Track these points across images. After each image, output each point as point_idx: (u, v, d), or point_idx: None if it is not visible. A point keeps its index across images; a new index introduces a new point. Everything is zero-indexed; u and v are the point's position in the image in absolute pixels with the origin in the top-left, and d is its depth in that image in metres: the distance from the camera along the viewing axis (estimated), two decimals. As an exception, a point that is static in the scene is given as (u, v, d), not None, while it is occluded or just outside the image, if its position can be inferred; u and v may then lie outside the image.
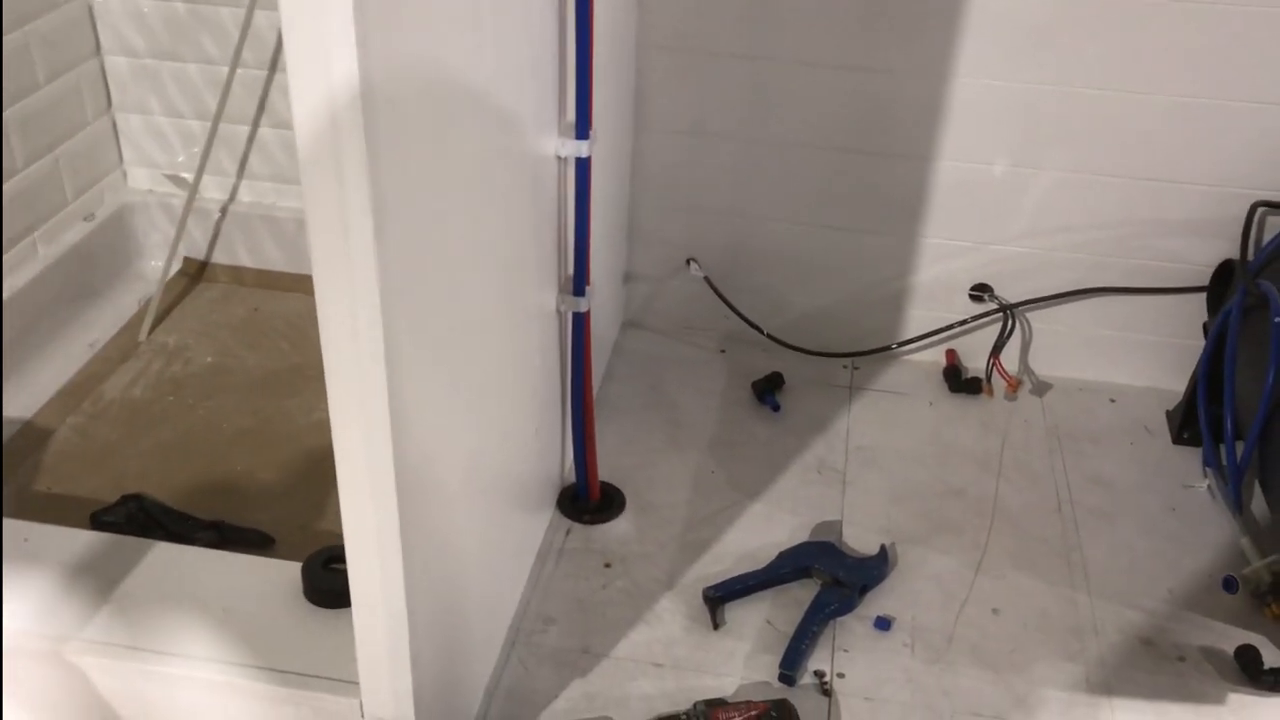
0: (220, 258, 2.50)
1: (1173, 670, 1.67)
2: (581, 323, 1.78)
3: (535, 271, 1.61)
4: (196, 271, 2.50)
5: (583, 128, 1.60)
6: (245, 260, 2.49)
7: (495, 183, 1.36)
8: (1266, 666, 1.64)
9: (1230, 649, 1.69)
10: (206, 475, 1.97)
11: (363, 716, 1.32)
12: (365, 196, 0.97)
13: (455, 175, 1.21)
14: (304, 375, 2.22)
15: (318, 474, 1.95)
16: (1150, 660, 1.68)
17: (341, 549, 1.44)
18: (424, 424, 1.19)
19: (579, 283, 1.74)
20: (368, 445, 1.09)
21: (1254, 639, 1.70)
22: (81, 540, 1.53)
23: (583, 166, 1.64)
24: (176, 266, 2.47)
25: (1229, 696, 1.63)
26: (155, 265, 2.45)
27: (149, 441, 2.04)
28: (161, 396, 2.15)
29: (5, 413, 2.03)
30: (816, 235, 2.22)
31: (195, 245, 2.49)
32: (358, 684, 1.30)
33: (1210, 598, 1.79)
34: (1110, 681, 1.64)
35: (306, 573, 1.46)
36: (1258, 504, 1.92)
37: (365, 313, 1.02)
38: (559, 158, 1.62)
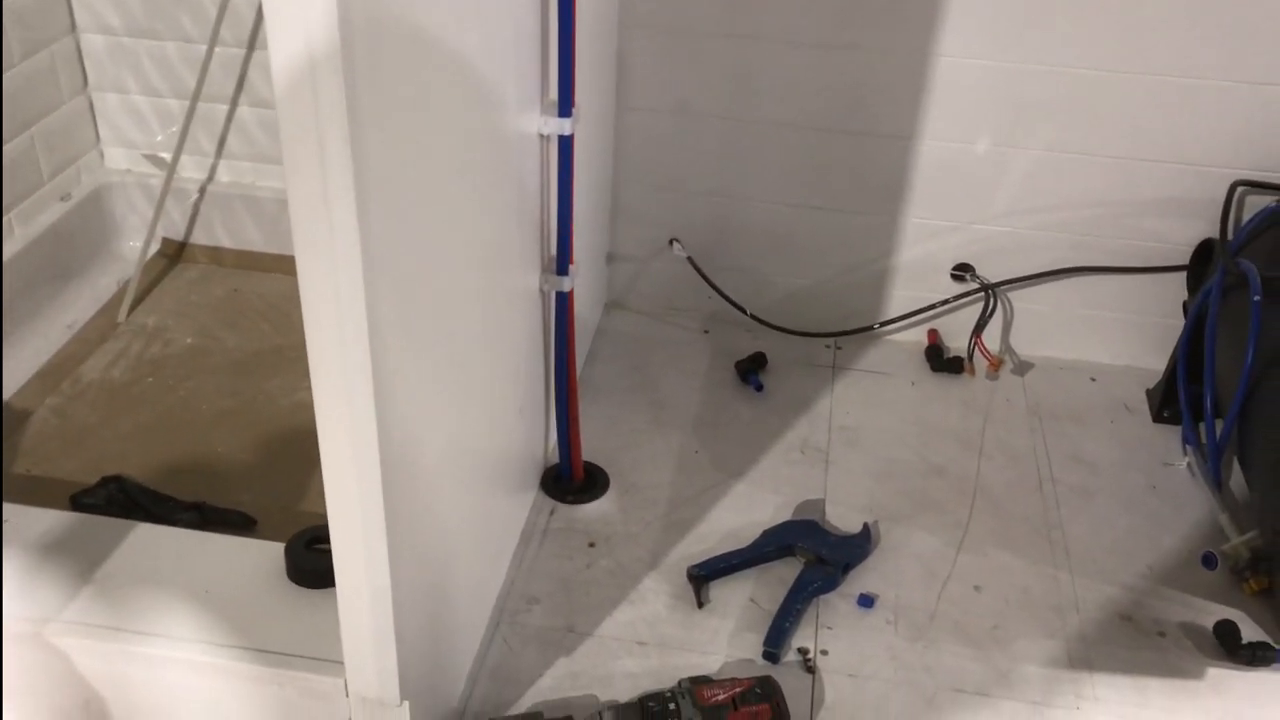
0: (199, 238, 2.48)
1: (1153, 645, 1.68)
2: (565, 302, 1.77)
3: (518, 250, 1.60)
4: (175, 252, 2.48)
5: (565, 105, 1.59)
6: (224, 241, 2.47)
7: (478, 159, 1.35)
8: (1244, 641, 1.65)
9: (1209, 624, 1.70)
10: (187, 457, 1.96)
11: (348, 696, 1.31)
12: (347, 167, 0.96)
13: (438, 149, 1.20)
14: (285, 356, 2.20)
15: (299, 455, 1.94)
16: (1130, 636, 1.69)
17: (324, 529, 1.43)
18: (407, 402, 1.18)
19: (562, 262, 1.73)
20: (351, 422, 1.09)
21: (1232, 614, 1.71)
22: (62, 521, 1.52)
23: (565, 145, 1.63)
24: (155, 247, 2.45)
25: (1208, 671, 1.64)
26: (133, 246, 2.43)
27: (128, 423, 2.02)
28: (141, 378, 2.14)
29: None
30: (800, 215, 2.22)
31: (173, 226, 2.47)
32: (342, 663, 1.29)
33: (1190, 574, 1.80)
34: (1091, 657, 1.65)
35: (289, 553, 1.45)
36: (1236, 481, 1.93)
37: (348, 286, 1.01)
38: (541, 135, 1.61)
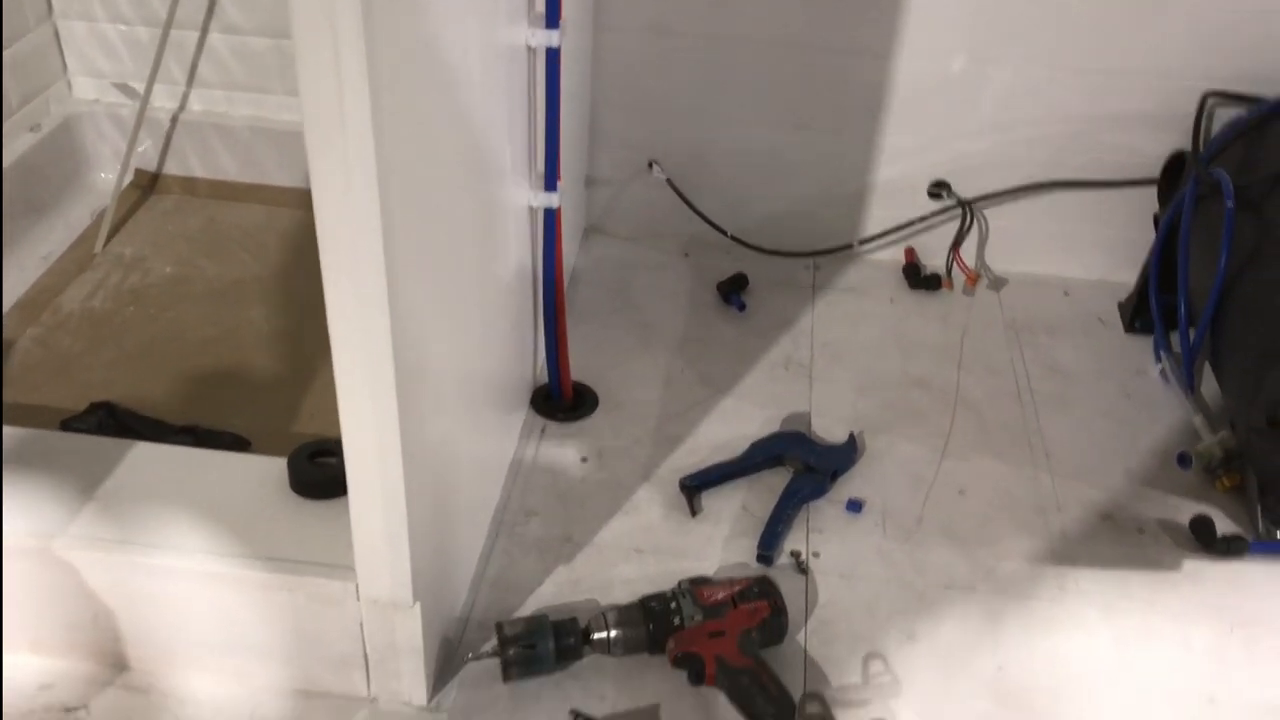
0: (172, 169, 2.45)
1: (1132, 542, 1.74)
2: (553, 219, 1.77)
3: (509, 165, 1.60)
4: (149, 183, 2.45)
5: (553, 16, 1.59)
6: (198, 171, 2.45)
7: (472, 64, 1.35)
8: (1219, 535, 1.71)
9: (1185, 520, 1.75)
10: (173, 384, 1.95)
11: (359, 599, 1.33)
12: (362, 62, 0.96)
13: (437, 54, 1.20)
14: (265, 285, 2.19)
15: (287, 382, 1.95)
16: (1111, 533, 1.75)
17: (325, 444, 1.46)
18: (415, 305, 1.19)
19: (550, 178, 1.74)
20: (365, 316, 1.09)
21: (1207, 510, 1.77)
22: (58, 442, 1.51)
23: (553, 57, 1.63)
24: (129, 179, 2.42)
25: (1184, 563, 1.70)
26: (106, 177, 2.40)
27: (113, 351, 2.01)
28: (122, 307, 2.12)
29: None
30: (778, 135, 2.23)
31: (145, 156, 2.44)
32: (353, 568, 1.31)
33: (1165, 474, 1.86)
34: (1073, 553, 1.71)
35: (292, 465, 1.46)
36: (1208, 385, 1.99)
37: (362, 179, 1.01)
38: (529, 48, 1.60)
